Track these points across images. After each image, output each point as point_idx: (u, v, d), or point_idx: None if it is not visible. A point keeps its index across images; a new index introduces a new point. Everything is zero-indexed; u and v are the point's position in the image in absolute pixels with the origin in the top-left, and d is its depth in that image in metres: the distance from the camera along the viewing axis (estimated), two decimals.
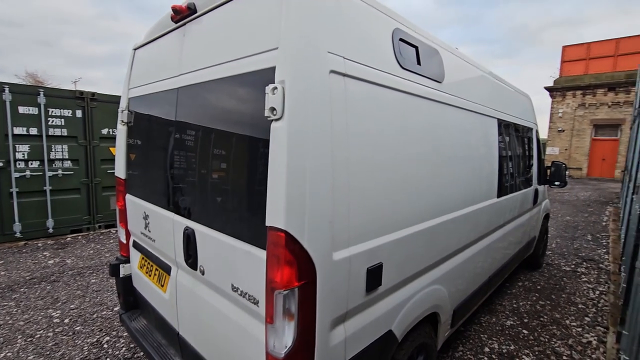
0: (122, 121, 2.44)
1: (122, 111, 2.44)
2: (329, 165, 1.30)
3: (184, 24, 1.83)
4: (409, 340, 1.89)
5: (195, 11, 1.72)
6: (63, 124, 6.08)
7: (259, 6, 1.36)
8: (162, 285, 2.10)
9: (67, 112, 6.12)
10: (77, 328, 3.23)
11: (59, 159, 6.10)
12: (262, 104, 1.24)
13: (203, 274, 1.69)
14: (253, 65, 1.34)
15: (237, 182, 1.53)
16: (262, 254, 1.31)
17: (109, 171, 6.67)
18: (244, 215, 1.48)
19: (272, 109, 1.19)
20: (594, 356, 2.96)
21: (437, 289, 2.14)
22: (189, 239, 1.73)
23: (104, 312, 3.53)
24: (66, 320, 3.36)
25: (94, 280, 4.33)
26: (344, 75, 1.37)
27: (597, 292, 4.28)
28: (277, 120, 1.19)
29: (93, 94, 6.41)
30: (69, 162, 6.24)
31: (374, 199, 1.58)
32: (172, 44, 1.94)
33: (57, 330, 3.19)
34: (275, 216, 1.21)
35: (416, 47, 1.87)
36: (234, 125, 1.54)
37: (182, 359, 1.99)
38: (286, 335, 1.25)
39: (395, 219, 1.74)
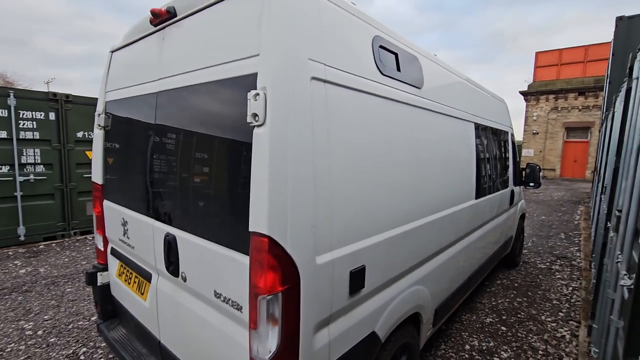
0: (99, 125, 2.38)
1: (99, 115, 2.38)
2: (310, 170, 1.31)
3: (163, 28, 1.81)
4: (392, 341, 1.92)
5: (175, 15, 1.70)
6: (35, 126, 5.84)
7: (240, 12, 1.36)
8: (142, 293, 2.06)
9: (40, 115, 5.89)
10: (52, 340, 3.10)
11: (30, 164, 5.85)
12: (244, 110, 1.24)
13: (185, 280, 1.66)
14: (235, 71, 1.34)
15: (220, 188, 1.52)
16: (245, 259, 1.31)
17: (85, 175, 6.46)
18: (226, 221, 1.47)
19: (255, 115, 1.19)
20: (567, 350, 3.09)
21: (419, 289, 2.19)
22: (170, 246, 1.71)
23: (81, 323, 3.40)
24: (39, 332, 3.22)
25: (69, 290, 4.17)
26: (325, 81, 1.38)
27: (570, 288, 4.47)
28: (259, 126, 1.20)
29: (67, 95, 6.20)
30: (42, 166, 6.00)
31: (356, 202, 1.60)
32: (151, 47, 1.91)
33: (29, 342, 3.05)
34: (258, 221, 1.21)
35: (396, 54, 1.92)
36: (215, 130, 1.54)
37: None
38: (270, 341, 1.25)
39: (377, 222, 1.77)
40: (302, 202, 1.28)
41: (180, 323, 1.75)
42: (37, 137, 5.89)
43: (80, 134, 6.40)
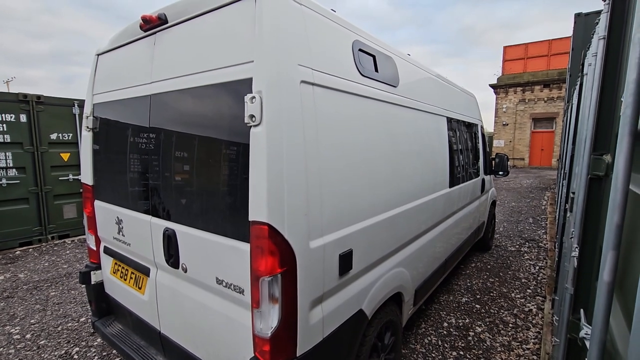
0: (87, 127, 2.42)
1: (87, 117, 2.41)
2: (302, 163, 1.46)
3: (154, 33, 1.88)
4: (377, 318, 2.11)
5: (166, 22, 1.78)
6: (5, 129, 5.63)
7: (233, 22, 1.48)
8: (140, 288, 2.14)
9: (10, 117, 5.68)
10: (42, 342, 3.11)
11: (2, 167, 5.65)
12: (240, 111, 1.37)
13: (185, 271, 1.78)
14: (230, 76, 1.46)
15: (218, 185, 1.64)
16: (245, 246, 1.45)
17: (60, 178, 6.30)
18: (226, 213, 1.59)
19: (252, 116, 1.33)
20: (534, 321, 3.41)
21: (401, 271, 2.39)
22: (170, 239, 1.81)
23: (70, 324, 3.41)
24: (28, 336, 3.21)
25: (53, 293, 4.13)
26: (313, 84, 1.53)
27: (537, 268, 4.86)
28: (256, 125, 1.33)
29: (39, 96, 5.99)
30: (14, 170, 5.80)
31: (343, 192, 1.76)
32: (141, 51, 1.98)
33: (18, 346, 3.05)
34: (258, 211, 1.35)
35: (373, 56, 2.08)
36: (212, 129, 1.65)
37: (164, 357, 2.06)
38: (271, 317, 1.40)
39: (362, 210, 1.94)
40: (296, 193, 1.43)
41: (181, 311, 1.86)
42: (8, 140, 5.68)
43: (54, 136, 6.21)
